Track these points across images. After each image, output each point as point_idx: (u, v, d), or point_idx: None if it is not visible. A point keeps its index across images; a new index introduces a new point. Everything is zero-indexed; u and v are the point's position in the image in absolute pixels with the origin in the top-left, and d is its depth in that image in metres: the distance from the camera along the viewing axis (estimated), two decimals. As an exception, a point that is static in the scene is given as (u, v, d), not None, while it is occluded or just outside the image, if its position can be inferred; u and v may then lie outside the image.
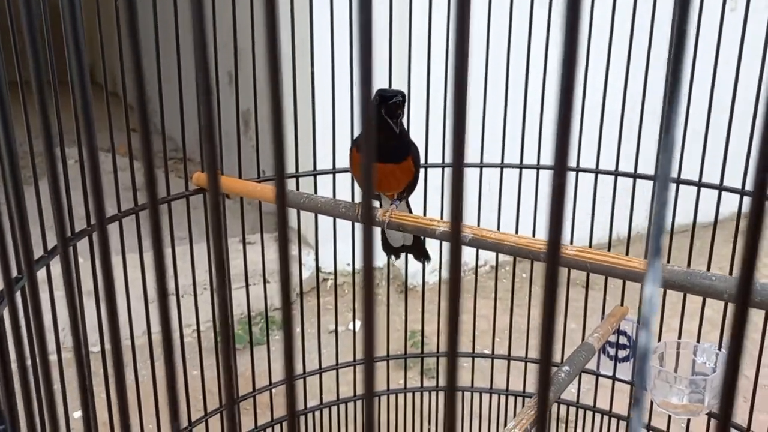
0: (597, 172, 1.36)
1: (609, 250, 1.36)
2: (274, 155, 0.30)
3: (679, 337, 1.32)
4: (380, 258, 2.29)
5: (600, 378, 1.44)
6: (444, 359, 1.62)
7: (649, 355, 0.32)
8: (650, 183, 1.31)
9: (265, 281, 1.52)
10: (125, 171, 1.25)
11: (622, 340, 1.38)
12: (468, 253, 1.92)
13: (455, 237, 0.30)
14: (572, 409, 1.58)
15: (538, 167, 1.40)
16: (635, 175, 1.34)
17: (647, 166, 1.34)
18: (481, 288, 2.37)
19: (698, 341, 1.29)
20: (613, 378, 1.41)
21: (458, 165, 0.31)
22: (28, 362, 0.94)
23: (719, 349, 1.26)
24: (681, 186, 1.29)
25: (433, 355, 1.77)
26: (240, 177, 1.31)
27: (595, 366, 1.42)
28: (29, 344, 0.90)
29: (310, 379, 1.56)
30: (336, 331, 1.59)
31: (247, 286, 1.56)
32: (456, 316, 0.30)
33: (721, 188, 1.26)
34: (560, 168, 0.31)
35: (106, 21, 1.10)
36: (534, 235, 1.31)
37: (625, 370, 1.40)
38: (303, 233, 2.80)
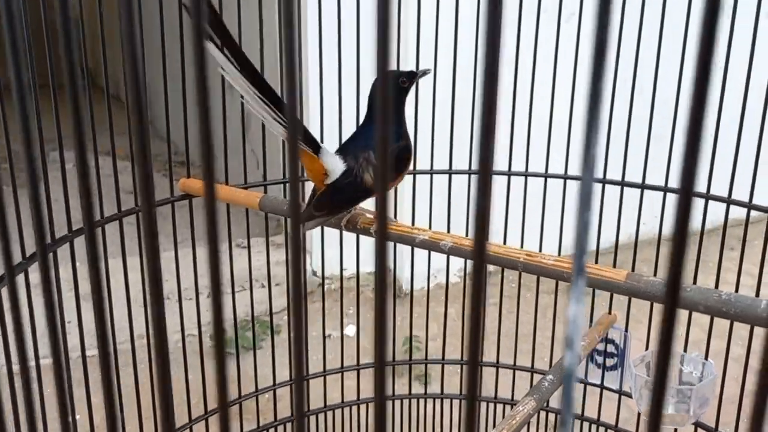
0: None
1: (596, 259, 1.36)
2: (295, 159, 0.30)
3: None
4: (370, 263, 2.30)
5: (588, 386, 1.44)
6: (436, 366, 1.62)
7: (574, 378, 0.32)
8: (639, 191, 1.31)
9: (252, 286, 1.53)
10: (124, 174, 1.26)
11: (610, 348, 1.37)
12: (457, 261, 1.92)
13: (478, 253, 0.29)
14: (560, 418, 1.57)
15: (526, 174, 1.40)
16: (622, 183, 1.34)
17: (635, 174, 1.34)
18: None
19: (685, 351, 1.29)
20: (601, 386, 1.41)
21: (484, 178, 0.31)
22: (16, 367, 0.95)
23: (706, 358, 1.25)
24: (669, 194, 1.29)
25: (422, 362, 1.76)
26: (245, 182, 1.32)
27: (583, 374, 1.42)
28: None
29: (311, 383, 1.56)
30: (326, 335, 1.59)
31: (233, 292, 1.57)
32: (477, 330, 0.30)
33: (707, 197, 1.26)
34: (484, 173, 0.31)
35: (109, 24, 1.11)
36: (522, 245, 1.31)
37: (613, 379, 1.39)
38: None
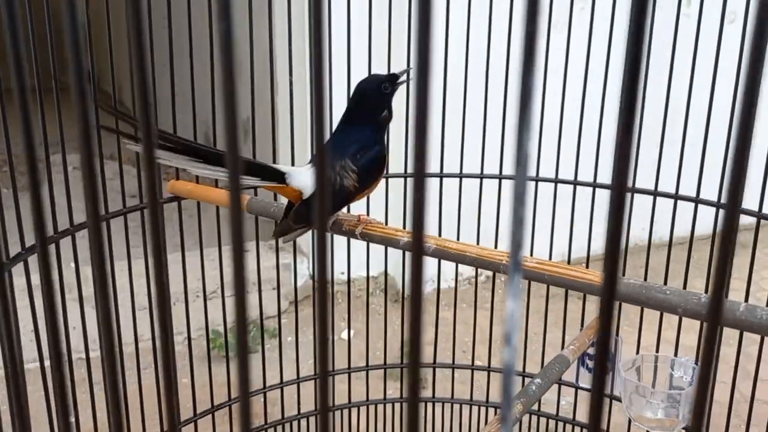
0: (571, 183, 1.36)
1: (587, 264, 1.36)
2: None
3: (657, 351, 1.31)
4: (376, 267, 2.30)
5: (579, 391, 1.43)
6: (439, 370, 1.62)
7: (512, 373, 0.32)
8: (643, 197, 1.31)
9: (260, 289, 1.53)
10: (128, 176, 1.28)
11: (601, 352, 1.36)
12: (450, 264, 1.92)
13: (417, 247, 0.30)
14: (552, 423, 1.57)
15: (500, 177, 1.40)
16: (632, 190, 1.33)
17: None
18: (465, 299, 2.37)
19: (675, 355, 1.28)
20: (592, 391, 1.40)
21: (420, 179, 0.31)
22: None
23: (696, 363, 1.25)
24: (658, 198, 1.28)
25: (429, 366, 1.76)
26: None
27: (574, 378, 1.41)
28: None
29: (303, 385, 1.56)
30: (333, 339, 1.59)
31: (222, 295, 1.57)
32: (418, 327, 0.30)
33: (697, 201, 1.25)
34: (418, 177, 0.31)
35: (116, 29, 1.12)
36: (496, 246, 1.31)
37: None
38: (297, 241, 2.81)
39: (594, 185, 1.36)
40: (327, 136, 1.11)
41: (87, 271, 1.23)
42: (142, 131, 0.32)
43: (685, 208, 1.29)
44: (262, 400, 1.54)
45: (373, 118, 1.02)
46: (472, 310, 1.56)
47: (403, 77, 1.04)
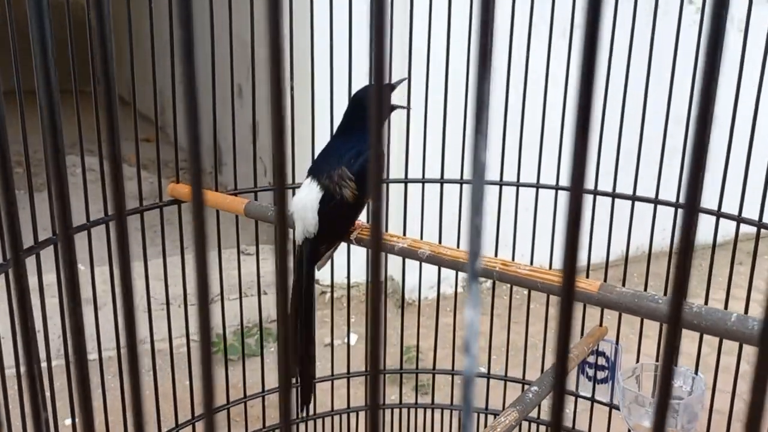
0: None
1: (587, 273, 1.35)
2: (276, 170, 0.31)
3: (657, 360, 1.30)
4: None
5: (579, 399, 1.42)
6: (439, 376, 1.62)
7: (473, 381, 0.33)
8: (651, 206, 1.30)
9: (260, 292, 1.53)
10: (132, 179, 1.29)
11: (601, 361, 1.36)
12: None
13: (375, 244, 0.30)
14: (551, 430, 1.56)
15: (500, 183, 1.39)
16: (633, 198, 1.33)
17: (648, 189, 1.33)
18: (482, 305, 2.36)
19: (675, 364, 1.27)
20: (592, 399, 1.39)
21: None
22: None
23: (696, 373, 1.24)
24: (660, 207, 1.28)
25: (428, 372, 1.76)
26: (255, 186, 1.34)
27: (574, 387, 1.40)
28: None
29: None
30: (332, 344, 1.59)
31: (240, 297, 1.58)
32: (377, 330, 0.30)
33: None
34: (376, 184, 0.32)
35: (119, 30, 1.14)
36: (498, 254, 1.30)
37: (604, 392, 1.38)
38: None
39: (594, 193, 1.35)
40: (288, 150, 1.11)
41: (97, 272, 1.25)
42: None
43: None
44: (261, 403, 1.54)
45: (363, 136, 1.02)
46: (487, 317, 1.57)
47: (397, 83, 1.05)
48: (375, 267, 0.31)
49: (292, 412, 0.33)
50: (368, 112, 1.03)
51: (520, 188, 1.40)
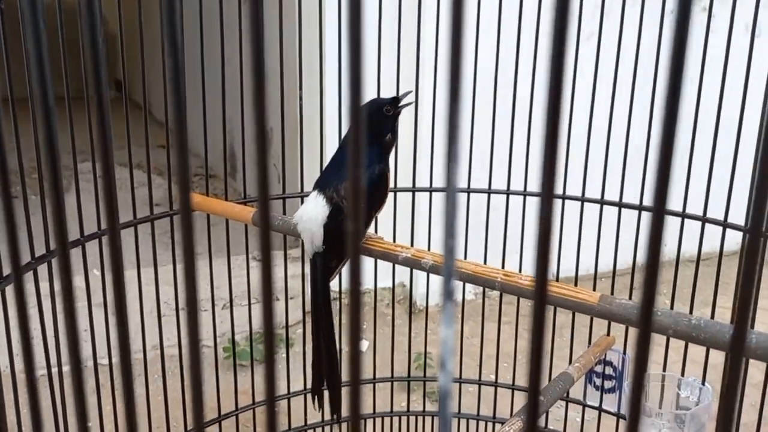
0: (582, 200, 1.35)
1: (576, 280, 1.35)
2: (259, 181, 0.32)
3: (664, 370, 1.30)
4: (387, 278, 2.30)
5: (587, 408, 1.42)
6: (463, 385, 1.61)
7: (448, 397, 0.33)
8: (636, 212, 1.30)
9: (273, 299, 1.55)
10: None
11: (608, 370, 1.35)
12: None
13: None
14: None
15: (508, 192, 1.40)
16: (620, 204, 1.33)
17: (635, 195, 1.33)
18: (491, 312, 2.36)
19: (682, 374, 1.27)
20: (600, 409, 1.39)
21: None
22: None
23: (703, 383, 1.23)
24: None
25: (436, 380, 1.76)
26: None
27: (582, 396, 1.40)
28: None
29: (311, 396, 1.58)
30: (340, 350, 1.60)
31: (250, 303, 1.59)
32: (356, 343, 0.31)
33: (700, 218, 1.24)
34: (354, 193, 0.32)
35: (148, 39, 1.16)
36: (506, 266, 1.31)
37: (611, 401, 1.37)
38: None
39: (601, 202, 1.35)
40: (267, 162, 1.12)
41: (107, 277, 1.27)
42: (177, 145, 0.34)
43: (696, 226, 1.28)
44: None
45: (377, 140, 1.03)
46: (490, 323, 1.57)
47: (407, 99, 1.05)
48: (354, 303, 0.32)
49: (276, 425, 0.34)
50: (369, 128, 1.03)
51: (527, 197, 1.41)
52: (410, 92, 1.08)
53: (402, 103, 1.05)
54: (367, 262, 1.43)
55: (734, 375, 0.31)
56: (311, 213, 1.03)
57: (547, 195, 0.30)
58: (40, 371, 1.06)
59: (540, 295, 0.32)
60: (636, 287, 1.39)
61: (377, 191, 1.04)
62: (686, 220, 1.27)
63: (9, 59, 1.01)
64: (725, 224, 1.24)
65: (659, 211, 0.30)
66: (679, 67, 0.26)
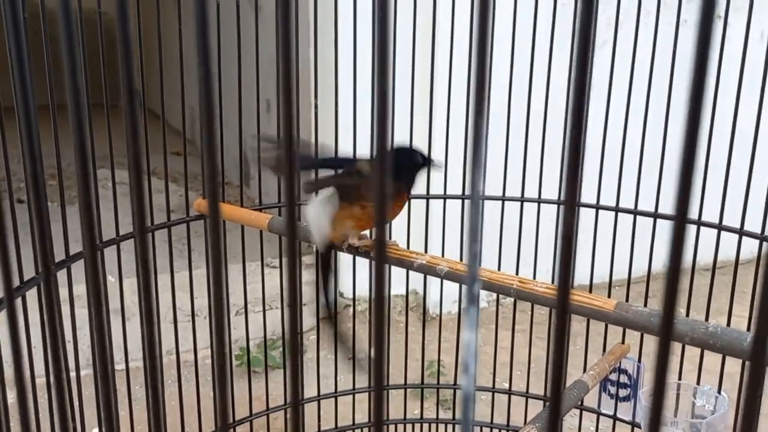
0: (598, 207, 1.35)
1: (590, 288, 1.35)
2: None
3: (679, 378, 1.29)
4: (401, 285, 2.31)
5: (601, 417, 1.42)
6: (461, 391, 1.63)
7: (471, 401, 0.34)
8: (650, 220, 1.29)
9: (284, 305, 1.56)
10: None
11: (623, 378, 1.35)
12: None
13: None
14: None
15: (521, 200, 1.40)
16: (635, 212, 1.33)
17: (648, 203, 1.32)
18: (505, 320, 2.36)
19: (698, 383, 1.26)
20: (614, 417, 1.38)
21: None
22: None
23: (719, 392, 1.23)
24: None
25: (449, 387, 1.77)
26: (279, 202, 1.37)
27: (596, 404, 1.40)
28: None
29: (324, 402, 1.58)
30: (353, 357, 1.61)
31: (264, 309, 1.60)
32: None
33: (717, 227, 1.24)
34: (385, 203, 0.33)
35: (148, 43, 1.17)
36: (524, 273, 1.31)
37: (626, 410, 1.37)
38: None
39: (616, 210, 1.35)
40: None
41: (126, 283, 1.28)
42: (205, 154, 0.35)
43: (712, 235, 1.27)
44: (284, 415, 1.56)
45: (398, 174, 1.04)
46: (504, 331, 1.57)
47: (436, 165, 1.07)
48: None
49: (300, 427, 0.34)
50: (398, 162, 1.04)
51: (541, 204, 1.41)
52: (441, 164, 1.10)
53: (433, 164, 1.06)
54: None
55: (754, 382, 0.31)
56: (317, 203, 1.04)
57: (569, 203, 0.31)
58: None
59: (562, 303, 0.33)
60: (651, 295, 1.38)
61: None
62: (702, 227, 1.27)
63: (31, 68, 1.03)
64: (741, 232, 1.24)
65: (682, 215, 0.30)
66: (701, 79, 0.27)
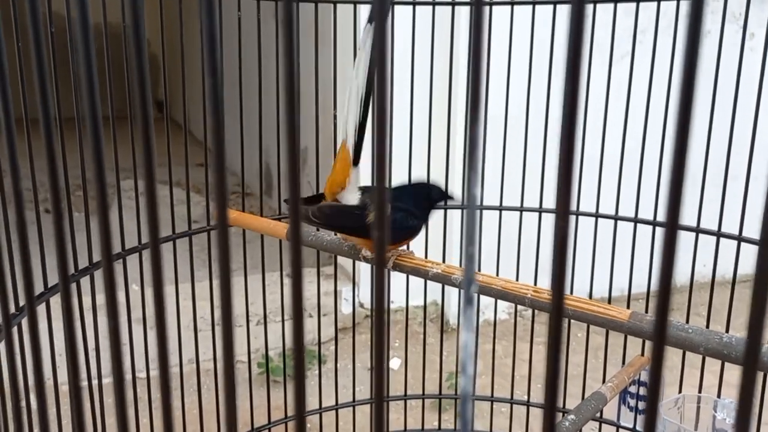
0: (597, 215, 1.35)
1: (609, 299, 1.34)
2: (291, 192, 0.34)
3: (700, 391, 1.28)
4: (419, 296, 2.31)
5: (621, 429, 1.40)
6: (479, 402, 1.62)
7: (469, 401, 0.35)
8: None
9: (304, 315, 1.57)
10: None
11: (643, 391, 1.34)
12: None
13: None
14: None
15: (540, 210, 1.40)
16: (636, 220, 1.32)
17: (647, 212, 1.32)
18: (524, 332, 2.35)
19: (719, 396, 1.25)
20: (634, 430, 1.37)
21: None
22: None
23: (740, 405, 1.21)
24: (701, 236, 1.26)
25: (486, 399, 1.76)
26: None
27: (616, 417, 1.38)
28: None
29: (342, 412, 1.59)
30: (372, 368, 1.62)
31: (283, 320, 1.61)
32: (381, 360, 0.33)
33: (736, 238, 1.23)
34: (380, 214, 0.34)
35: (189, 60, 1.20)
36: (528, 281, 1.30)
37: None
38: (343, 268, 2.85)
39: (635, 220, 1.35)
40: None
41: (148, 292, 1.30)
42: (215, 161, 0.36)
43: (731, 246, 1.26)
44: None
45: (413, 203, 1.05)
46: (523, 343, 1.57)
47: (451, 201, 1.09)
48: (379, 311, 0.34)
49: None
50: (417, 193, 1.06)
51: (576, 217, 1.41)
52: (459, 199, 1.13)
53: (450, 199, 1.09)
54: (400, 280, 1.44)
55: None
56: (352, 186, 1.06)
57: (563, 211, 0.32)
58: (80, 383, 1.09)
59: (557, 307, 0.33)
60: (675, 308, 1.37)
61: (395, 236, 1.05)
62: (722, 239, 1.26)
63: (58, 81, 1.06)
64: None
65: (672, 223, 0.31)
66: (690, 90, 0.27)
